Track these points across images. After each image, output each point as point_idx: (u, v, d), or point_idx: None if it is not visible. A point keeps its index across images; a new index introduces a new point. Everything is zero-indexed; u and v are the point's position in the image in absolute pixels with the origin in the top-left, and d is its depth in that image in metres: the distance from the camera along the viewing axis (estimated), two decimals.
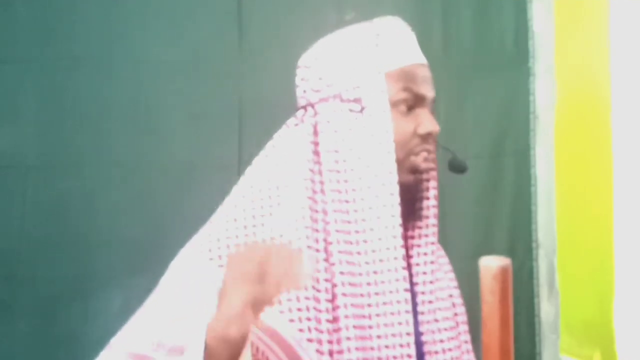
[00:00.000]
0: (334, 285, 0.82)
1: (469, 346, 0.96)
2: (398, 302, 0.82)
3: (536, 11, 1.77)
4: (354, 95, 0.87)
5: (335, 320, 0.81)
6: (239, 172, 1.58)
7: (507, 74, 1.77)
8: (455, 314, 0.95)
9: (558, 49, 1.73)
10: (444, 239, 0.99)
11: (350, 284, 0.82)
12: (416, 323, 0.88)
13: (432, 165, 0.91)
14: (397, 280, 0.83)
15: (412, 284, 0.89)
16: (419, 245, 0.93)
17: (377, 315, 0.82)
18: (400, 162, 0.86)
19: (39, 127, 1.57)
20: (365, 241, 0.84)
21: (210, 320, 0.73)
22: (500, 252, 1.10)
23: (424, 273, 0.92)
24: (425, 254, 0.92)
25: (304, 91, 0.91)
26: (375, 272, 0.83)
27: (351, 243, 0.84)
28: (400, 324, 0.82)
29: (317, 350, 0.80)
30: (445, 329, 0.91)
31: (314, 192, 0.86)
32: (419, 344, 0.87)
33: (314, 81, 0.90)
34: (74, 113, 1.58)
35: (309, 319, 0.81)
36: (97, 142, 1.57)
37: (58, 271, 1.52)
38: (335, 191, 0.85)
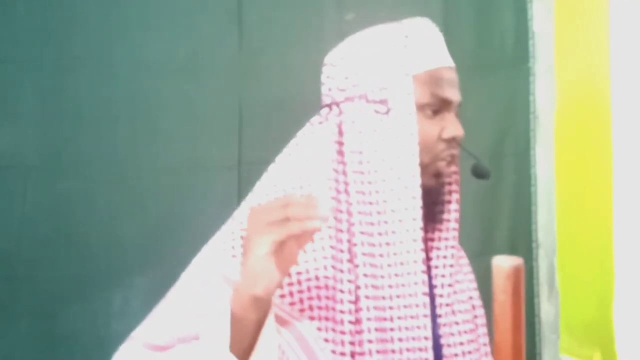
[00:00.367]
0: (357, 287, 0.82)
1: (488, 349, 0.96)
2: (417, 305, 0.82)
3: (536, 11, 1.77)
4: (380, 97, 0.86)
5: (357, 322, 0.81)
6: (239, 172, 1.61)
7: (507, 74, 1.77)
8: (475, 317, 0.95)
9: (558, 49, 1.73)
10: None
11: (373, 287, 0.82)
12: (436, 326, 0.88)
13: (455, 169, 0.92)
14: (416, 283, 0.83)
15: (431, 286, 0.90)
16: (438, 248, 0.93)
17: (399, 318, 0.82)
18: (425, 167, 0.86)
19: (39, 127, 1.56)
20: (387, 244, 0.83)
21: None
22: (500, 252, 1.10)
23: (443, 276, 0.92)
24: (444, 257, 0.93)
25: (329, 89, 0.90)
26: (396, 275, 0.83)
27: (374, 245, 0.83)
28: (419, 327, 0.82)
29: (334, 351, 0.80)
30: (465, 332, 0.91)
31: (338, 192, 0.85)
32: (438, 347, 0.87)
33: (340, 80, 0.88)
34: (74, 113, 1.57)
35: (327, 319, 0.81)
36: (97, 142, 1.57)
37: (58, 271, 1.52)
38: (359, 192, 0.84)
